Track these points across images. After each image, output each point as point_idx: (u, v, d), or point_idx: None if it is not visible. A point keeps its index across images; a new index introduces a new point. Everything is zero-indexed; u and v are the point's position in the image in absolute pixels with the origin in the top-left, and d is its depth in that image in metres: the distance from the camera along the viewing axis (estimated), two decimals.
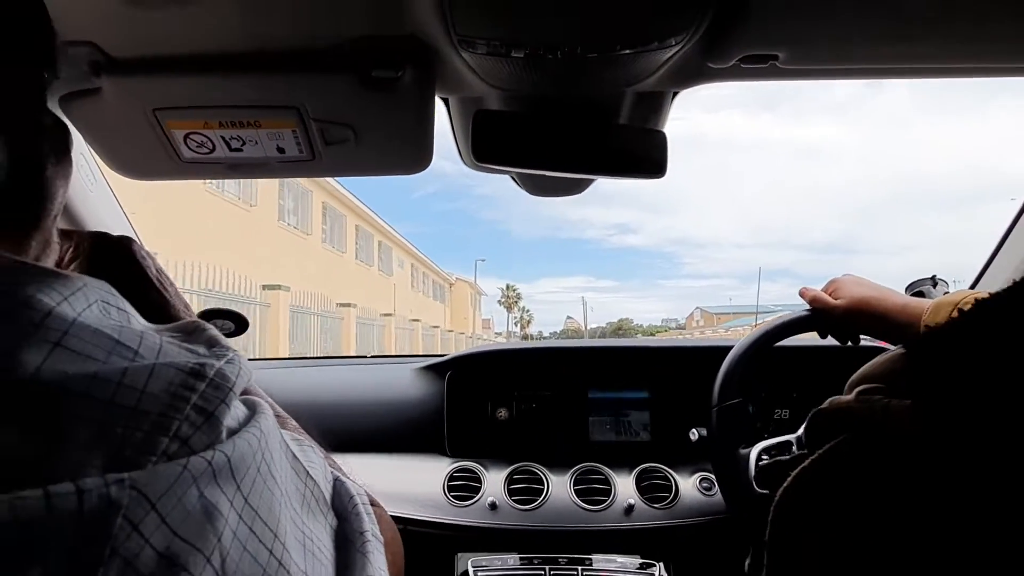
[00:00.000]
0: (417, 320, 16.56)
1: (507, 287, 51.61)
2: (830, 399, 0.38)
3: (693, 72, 0.69)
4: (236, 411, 0.28)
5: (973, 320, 0.31)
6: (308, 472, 0.34)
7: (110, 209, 0.89)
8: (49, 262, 0.36)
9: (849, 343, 0.86)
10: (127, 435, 0.23)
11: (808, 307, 0.87)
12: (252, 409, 0.29)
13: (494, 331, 46.97)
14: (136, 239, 0.97)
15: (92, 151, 0.77)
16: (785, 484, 0.37)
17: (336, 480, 0.38)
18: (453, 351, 1.37)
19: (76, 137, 0.74)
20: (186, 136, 0.69)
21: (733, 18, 0.58)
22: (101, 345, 0.25)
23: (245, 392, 0.30)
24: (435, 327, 18.62)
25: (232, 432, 0.27)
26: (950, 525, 0.29)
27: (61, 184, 0.35)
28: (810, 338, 1.01)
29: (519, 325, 53.39)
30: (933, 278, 1.00)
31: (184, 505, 0.23)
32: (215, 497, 0.24)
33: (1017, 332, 0.29)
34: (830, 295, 0.84)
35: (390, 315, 14.17)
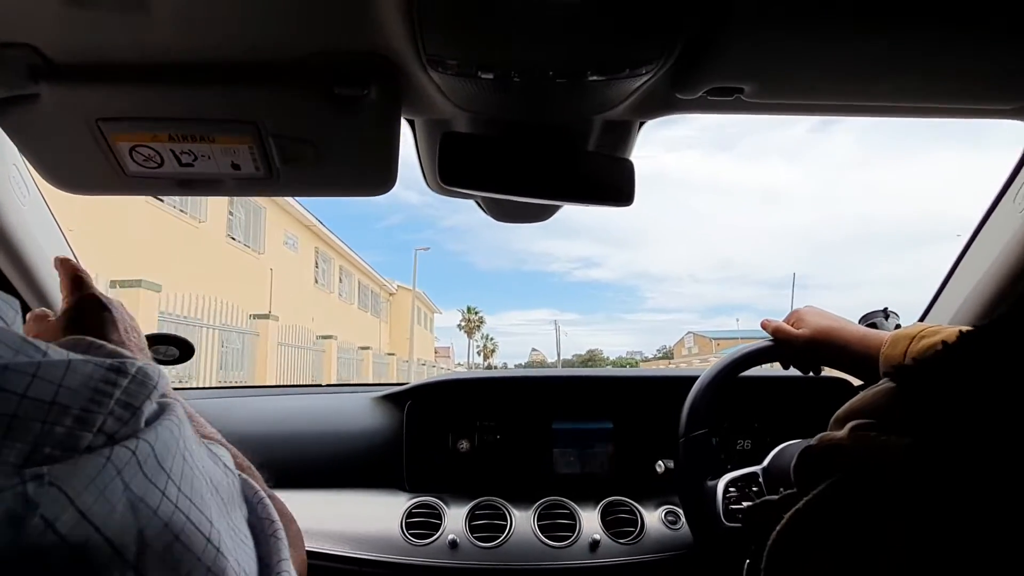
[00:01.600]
0: (366, 348, 14.78)
1: (468, 309, 47.55)
2: (819, 436, 0.36)
3: (661, 102, 0.70)
4: (153, 407, 0.27)
5: (961, 353, 0.31)
6: (225, 464, 0.34)
7: (45, 225, 0.83)
8: None
9: (811, 373, 0.87)
10: (46, 430, 0.22)
11: (771, 337, 0.87)
12: (164, 405, 0.28)
13: (454, 361, 42.90)
14: (72, 256, 0.91)
15: (26, 162, 0.71)
16: (779, 527, 0.35)
17: (240, 476, 0.38)
18: (394, 379, 1.33)
19: (9, 147, 0.69)
20: (132, 149, 0.65)
21: (702, 50, 0.59)
22: (8, 343, 0.23)
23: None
24: (365, 348, 14.65)
25: (150, 423, 0.26)
26: (952, 564, 0.27)
27: None
28: (770, 369, 1.02)
29: (482, 354, 50.16)
30: (885, 310, 1.02)
31: (108, 499, 0.22)
32: (143, 489, 0.23)
33: (1010, 365, 0.28)
34: (792, 325, 0.85)
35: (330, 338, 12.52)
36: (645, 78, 0.61)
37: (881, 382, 0.35)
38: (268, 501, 0.38)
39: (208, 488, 0.28)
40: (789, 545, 0.35)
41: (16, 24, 0.53)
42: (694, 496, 0.86)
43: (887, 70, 0.63)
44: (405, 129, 0.77)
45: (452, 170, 0.69)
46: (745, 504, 0.83)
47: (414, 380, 1.29)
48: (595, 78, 0.60)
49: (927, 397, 0.31)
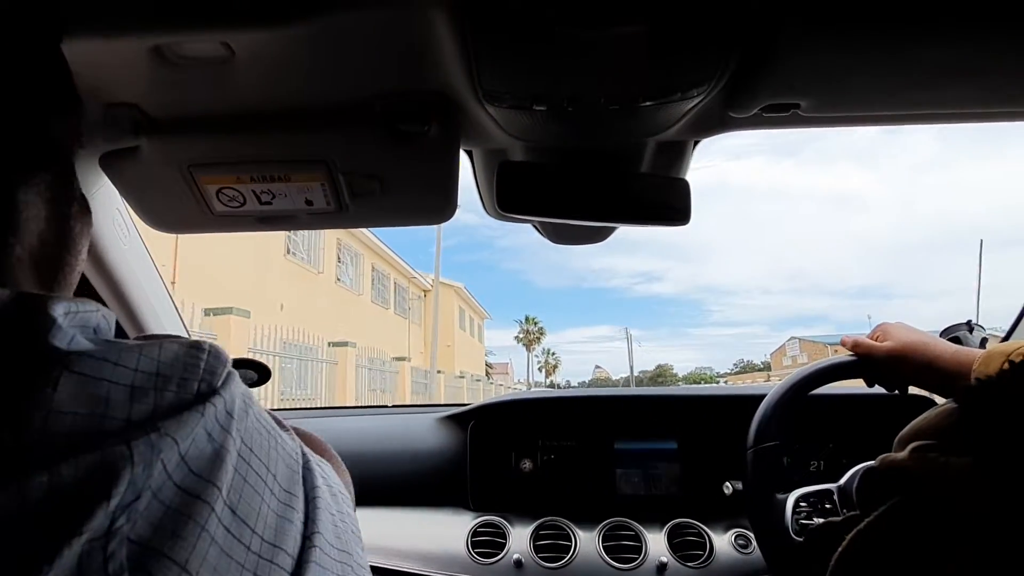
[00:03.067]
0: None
1: (526, 319, 42.41)
2: (881, 457, 0.35)
3: (715, 121, 0.70)
4: (224, 375, 0.32)
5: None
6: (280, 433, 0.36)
7: (142, 263, 0.91)
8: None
9: (896, 392, 0.82)
10: (158, 396, 0.27)
11: (852, 354, 0.84)
12: (229, 373, 0.32)
13: (513, 378, 39.24)
14: (166, 288, 0.99)
15: (127, 206, 0.79)
16: (841, 548, 0.35)
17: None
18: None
19: (113, 193, 0.76)
20: (218, 191, 0.71)
21: (755, 68, 0.58)
22: (109, 336, 0.30)
23: None
24: (400, 359, 12.86)
25: (224, 385, 0.30)
26: None
27: (84, 243, 0.40)
28: (847, 387, 0.97)
29: (543, 371, 46.30)
30: (968, 323, 0.96)
31: (198, 446, 0.27)
32: (222, 439, 0.28)
33: None
34: (876, 340, 0.81)
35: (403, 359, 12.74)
36: (697, 99, 0.62)
37: (945, 402, 0.33)
38: (315, 468, 0.38)
39: (266, 438, 0.32)
40: (851, 566, 0.34)
41: (121, 86, 0.60)
42: (762, 509, 0.83)
43: (951, 76, 0.60)
44: (464, 159, 0.80)
45: (509, 197, 0.71)
46: (816, 520, 0.79)
47: (479, 400, 1.31)
48: (648, 103, 0.61)
49: (989, 417, 0.30)
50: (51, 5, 0.38)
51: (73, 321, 0.28)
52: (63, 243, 0.38)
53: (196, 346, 0.31)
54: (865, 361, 0.81)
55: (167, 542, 0.24)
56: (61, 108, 0.38)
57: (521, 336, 42.74)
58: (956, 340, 0.93)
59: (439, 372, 14.72)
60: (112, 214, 0.80)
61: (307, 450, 0.39)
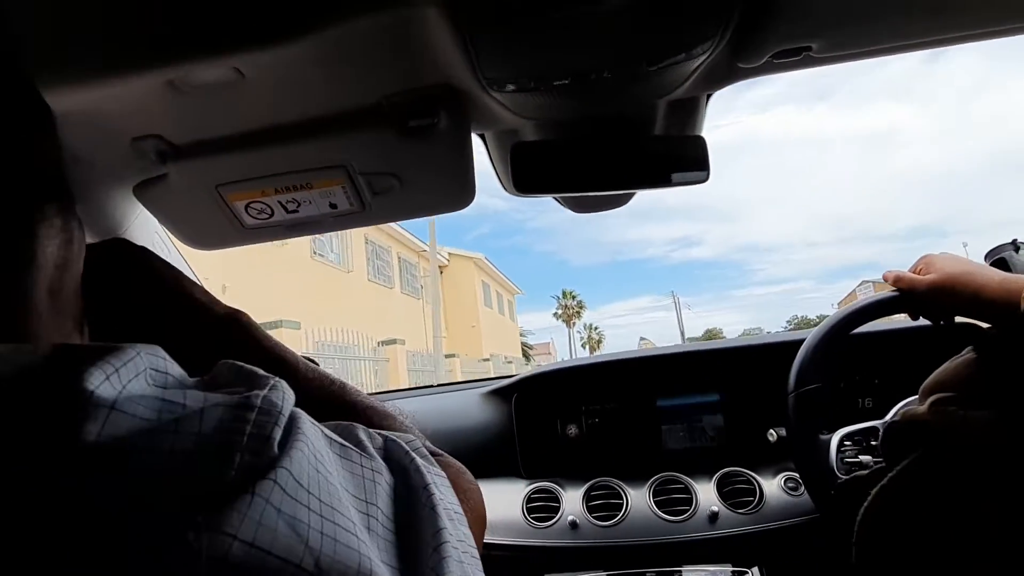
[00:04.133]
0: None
1: (564, 294, 39.96)
2: (903, 410, 0.36)
3: (724, 74, 0.68)
4: (280, 431, 0.29)
5: None
6: (361, 451, 0.34)
7: None
8: (65, 330, 0.37)
9: (942, 323, 0.81)
10: (194, 476, 0.24)
11: (894, 289, 0.82)
12: (291, 420, 0.30)
13: (556, 358, 36.13)
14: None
15: (165, 229, 0.83)
16: (867, 503, 0.36)
17: (386, 439, 0.38)
18: None
19: (151, 218, 0.80)
20: (247, 205, 0.74)
21: (762, 16, 0.57)
22: (150, 405, 0.26)
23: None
24: (389, 343, 10.03)
25: (283, 446, 0.28)
26: None
27: (58, 250, 0.35)
28: (892, 322, 0.96)
29: (587, 347, 43.62)
30: (1014, 241, 0.93)
31: (266, 525, 0.24)
32: (293, 509, 0.25)
33: None
34: (919, 273, 0.79)
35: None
36: (704, 56, 0.61)
37: (966, 350, 0.34)
38: (422, 466, 0.37)
39: (343, 493, 0.30)
40: (876, 521, 0.35)
41: (142, 120, 0.63)
42: (806, 451, 0.84)
43: None
44: (479, 143, 0.81)
45: (525, 177, 0.72)
46: (862, 458, 0.80)
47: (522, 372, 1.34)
48: (653, 68, 0.60)
49: (1009, 367, 0.30)
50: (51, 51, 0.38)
51: (116, 382, 0.26)
52: (73, 268, 0.36)
53: (244, 404, 0.28)
54: (907, 296, 0.80)
55: None
56: (43, 128, 0.36)
57: (560, 312, 40.35)
58: (1002, 261, 0.90)
59: (451, 356, 12.81)
60: (152, 239, 0.85)
61: (421, 468, 0.36)
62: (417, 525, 0.33)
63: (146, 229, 0.83)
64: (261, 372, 0.32)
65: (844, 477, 0.79)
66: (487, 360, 15.14)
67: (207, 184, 0.71)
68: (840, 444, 0.83)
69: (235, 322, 0.51)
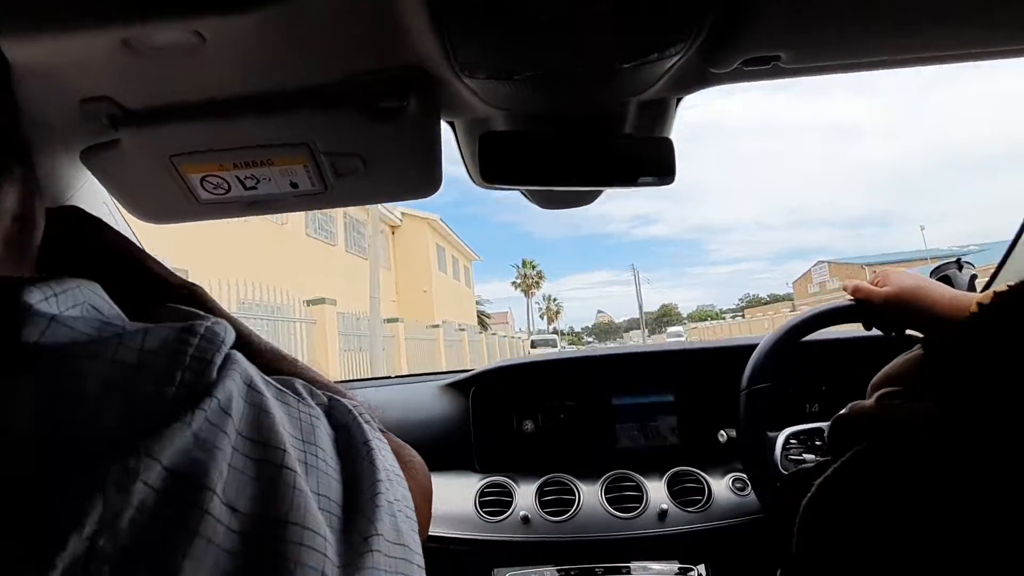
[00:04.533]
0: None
1: (523, 263, 38.63)
2: (851, 404, 0.37)
3: (695, 78, 0.69)
4: (220, 359, 0.29)
5: (990, 316, 0.31)
6: (298, 397, 0.34)
7: None
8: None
9: (893, 335, 0.84)
10: (137, 390, 0.25)
11: (851, 298, 0.85)
12: (227, 356, 0.30)
13: (515, 327, 35.27)
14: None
15: (114, 200, 0.79)
16: (810, 494, 0.37)
17: (331, 398, 0.38)
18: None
19: (99, 187, 0.76)
20: (202, 179, 0.71)
21: (732, 23, 0.58)
22: (90, 323, 0.27)
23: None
24: (317, 302, 8.20)
25: (220, 374, 0.28)
26: (971, 528, 0.28)
27: (17, 204, 0.35)
28: (840, 331, 0.99)
29: (545, 317, 43.60)
30: (958, 260, 0.98)
31: (184, 453, 0.24)
32: (212, 435, 0.26)
33: None
34: (876, 285, 0.82)
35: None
36: (676, 57, 0.61)
37: (914, 348, 0.35)
38: (364, 424, 0.38)
39: (276, 422, 0.30)
40: (819, 512, 0.36)
41: (93, 80, 0.59)
42: (753, 446, 0.87)
43: (933, 18, 0.60)
44: (447, 131, 0.80)
45: (493, 168, 0.71)
46: (806, 456, 0.83)
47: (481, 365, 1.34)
48: (626, 65, 0.60)
49: (950, 361, 0.31)
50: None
51: (54, 305, 0.27)
52: (32, 225, 0.36)
53: (188, 329, 0.28)
54: (863, 305, 0.82)
55: (155, 550, 0.23)
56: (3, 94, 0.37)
57: (519, 282, 39.06)
58: (946, 278, 0.95)
59: (393, 321, 11.21)
60: (99, 209, 0.80)
61: (361, 421, 0.37)
62: (356, 475, 0.34)
63: (93, 198, 0.79)
64: (204, 312, 0.33)
65: (786, 474, 0.82)
66: (436, 327, 13.50)
67: (161, 154, 0.68)
68: (786, 442, 0.86)
69: (190, 294, 0.51)
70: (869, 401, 0.34)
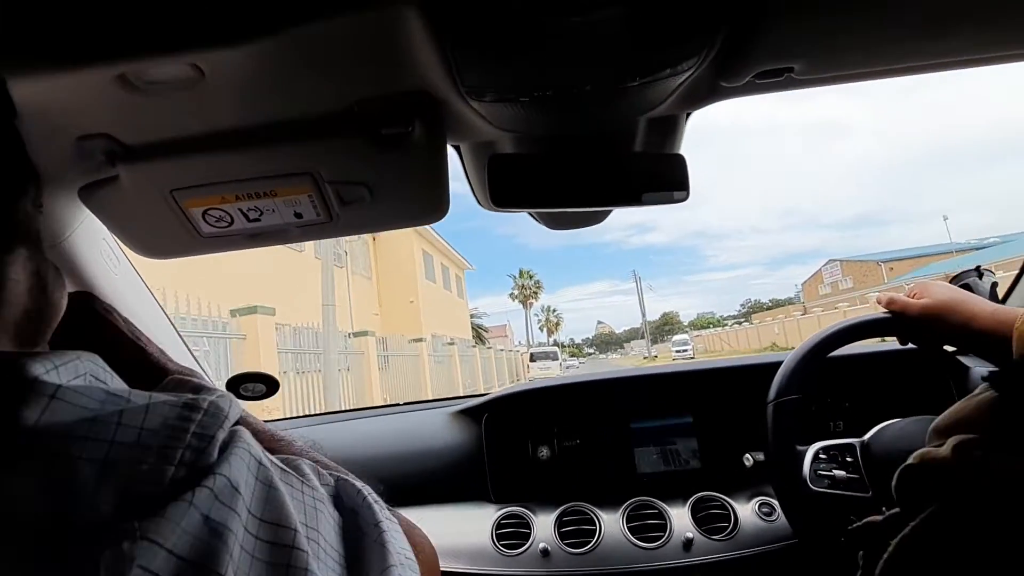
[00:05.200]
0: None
1: (520, 273, 37.58)
2: (919, 453, 0.34)
3: (707, 92, 0.67)
4: (224, 435, 0.29)
5: None
6: (303, 480, 0.33)
7: (135, 289, 0.90)
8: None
9: (930, 351, 0.80)
10: (133, 470, 0.24)
11: (886, 311, 0.81)
12: (233, 432, 0.30)
13: (513, 340, 33.67)
14: (164, 313, 0.98)
15: (114, 236, 0.77)
16: (888, 554, 0.34)
17: (338, 479, 0.37)
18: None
19: (98, 225, 0.75)
20: (204, 212, 0.69)
21: (745, 36, 0.56)
22: (93, 397, 0.26)
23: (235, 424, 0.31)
24: (249, 312, 6.56)
25: (223, 450, 0.28)
26: None
27: (24, 275, 0.37)
28: (864, 346, 0.96)
29: (545, 329, 43.26)
30: (977, 268, 0.95)
31: (192, 534, 0.24)
32: (222, 516, 0.25)
33: None
34: (913, 297, 0.79)
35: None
36: (687, 74, 0.59)
37: (980, 388, 0.32)
38: (375, 504, 0.37)
39: (287, 504, 0.29)
40: (900, 572, 0.33)
41: (90, 117, 0.58)
42: (781, 459, 0.83)
43: (945, 24, 0.58)
44: (452, 154, 0.78)
45: (503, 191, 0.69)
46: (836, 472, 0.79)
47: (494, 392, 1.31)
48: (636, 83, 0.59)
49: None
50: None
51: (57, 376, 0.27)
52: (44, 314, 0.37)
53: (191, 405, 0.28)
54: (899, 318, 0.79)
55: None
56: (24, 181, 0.38)
57: (516, 293, 38.27)
58: (967, 287, 0.92)
59: (361, 335, 9.49)
60: (99, 245, 0.79)
61: (374, 509, 0.36)
62: (365, 559, 0.32)
63: (92, 236, 0.77)
64: (209, 383, 0.33)
65: (814, 488, 0.78)
66: (419, 340, 11.89)
67: (161, 189, 0.66)
68: (815, 457, 0.82)
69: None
70: (943, 450, 0.31)
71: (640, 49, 0.54)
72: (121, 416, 0.25)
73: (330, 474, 0.37)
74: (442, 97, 0.61)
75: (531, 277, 37.96)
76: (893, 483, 0.35)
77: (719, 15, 0.52)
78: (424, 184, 0.72)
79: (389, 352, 10.28)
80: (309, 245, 11.56)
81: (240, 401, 0.50)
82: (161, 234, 0.74)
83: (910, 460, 0.34)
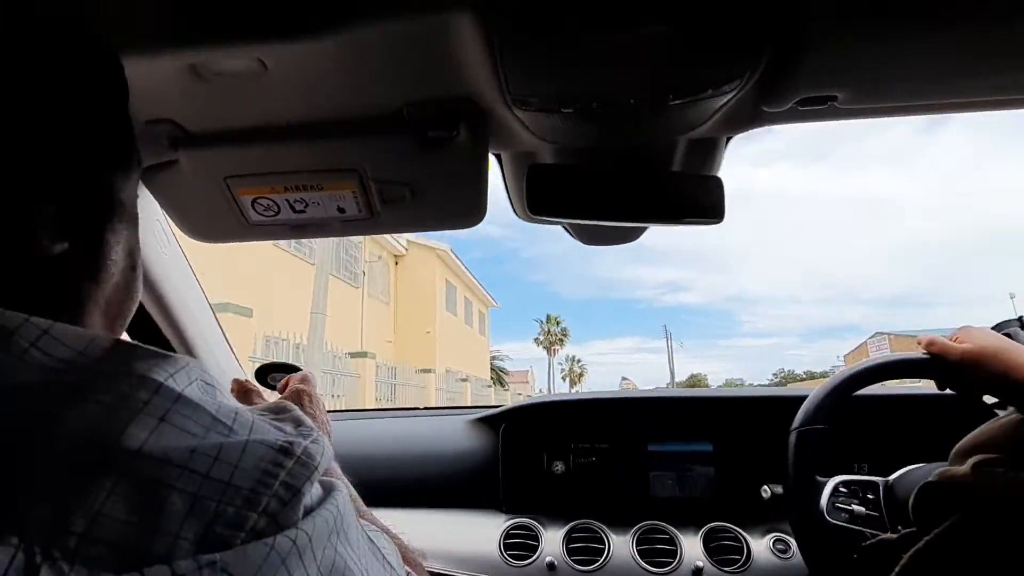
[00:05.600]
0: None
1: (548, 318, 37.04)
2: (940, 471, 0.34)
3: (748, 116, 0.68)
4: (315, 489, 0.29)
5: None
6: (385, 558, 0.34)
7: (181, 271, 0.94)
8: (120, 331, 0.40)
9: (969, 399, 0.77)
10: (220, 509, 0.25)
11: (925, 352, 0.79)
12: (328, 488, 0.30)
13: (534, 387, 33.46)
14: (204, 294, 1.02)
15: (167, 217, 0.82)
16: (899, 568, 0.33)
17: (408, 574, 0.38)
18: None
19: (153, 205, 0.79)
20: (254, 201, 0.73)
21: (789, 61, 0.57)
22: (200, 421, 0.27)
23: (325, 473, 0.31)
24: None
25: (309, 510, 0.28)
26: None
27: (122, 254, 0.38)
28: (893, 387, 0.94)
29: (567, 379, 41.78)
30: (1020, 319, 0.92)
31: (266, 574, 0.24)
32: (294, 568, 0.25)
33: None
34: (955, 341, 0.77)
35: None
36: (730, 95, 0.60)
37: (1006, 412, 0.32)
38: None
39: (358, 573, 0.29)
40: None
41: (158, 103, 0.62)
42: (799, 487, 0.81)
43: (992, 61, 0.58)
44: (492, 163, 0.80)
45: (540, 200, 0.71)
46: (855, 508, 0.77)
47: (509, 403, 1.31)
48: (678, 101, 0.60)
49: None
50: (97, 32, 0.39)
51: (176, 382, 0.27)
52: (131, 291, 0.39)
53: (286, 450, 0.28)
54: (937, 361, 0.77)
55: None
56: (130, 160, 0.40)
57: (541, 338, 37.50)
58: (1008, 336, 0.89)
59: (361, 356, 8.83)
60: (152, 224, 0.83)
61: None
62: None
63: (146, 215, 0.81)
64: (309, 421, 0.33)
65: (831, 521, 0.76)
66: (428, 372, 11.34)
67: (217, 175, 0.70)
68: (835, 489, 0.80)
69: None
70: (963, 468, 0.31)
71: (684, 67, 0.55)
72: (220, 451, 0.26)
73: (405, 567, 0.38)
74: (488, 104, 0.63)
75: (558, 323, 37.32)
76: (911, 501, 0.35)
77: (763, 38, 0.53)
78: (464, 188, 0.74)
79: (394, 380, 9.64)
80: (330, 260, 10.19)
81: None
82: (212, 219, 0.77)
83: (930, 478, 0.34)
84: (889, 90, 0.63)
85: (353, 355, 8.94)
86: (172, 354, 0.30)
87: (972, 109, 0.68)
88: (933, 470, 0.77)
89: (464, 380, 13.37)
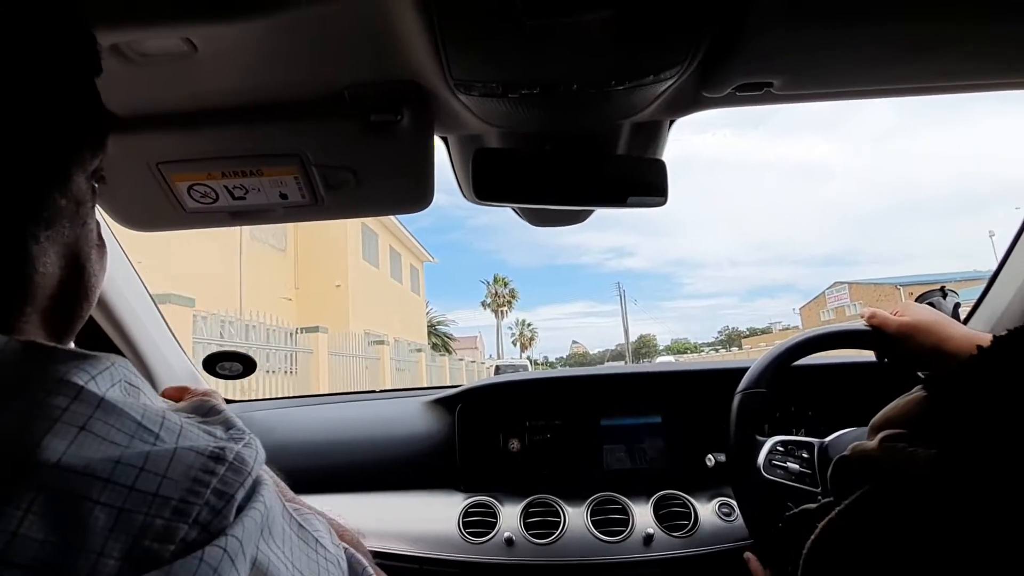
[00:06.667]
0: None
1: (495, 279, 34.94)
2: (852, 445, 0.37)
3: (689, 101, 0.70)
4: (244, 492, 0.28)
5: (994, 359, 0.30)
6: (318, 541, 0.33)
7: (119, 264, 0.90)
8: (69, 336, 0.38)
9: (904, 370, 0.81)
10: (147, 522, 0.23)
11: (866, 324, 0.83)
12: (255, 484, 0.29)
13: (484, 353, 30.89)
14: (144, 286, 0.98)
15: (98, 206, 0.78)
16: (813, 536, 0.36)
17: (348, 552, 0.38)
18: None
19: None
20: (189, 187, 0.70)
21: (727, 49, 0.58)
22: (124, 429, 0.26)
23: None
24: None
25: (239, 512, 0.27)
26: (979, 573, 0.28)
27: (100, 285, 0.38)
28: (829, 357, 0.99)
29: (518, 344, 41.14)
30: (942, 288, 0.98)
31: None
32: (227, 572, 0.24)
33: None
34: (895, 315, 0.80)
35: None
36: (670, 81, 0.62)
37: (916, 389, 0.35)
38: None
39: (288, 570, 0.29)
40: (822, 554, 0.35)
41: None
42: (739, 445, 0.85)
43: (923, 50, 0.61)
44: (440, 145, 0.79)
45: (486, 185, 0.71)
46: (790, 465, 0.81)
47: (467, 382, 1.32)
48: (620, 87, 0.61)
49: (956, 407, 0.31)
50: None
51: (97, 386, 0.26)
52: (80, 293, 0.36)
53: (217, 456, 0.27)
54: (877, 332, 0.81)
55: None
56: (81, 148, 0.37)
57: (489, 301, 35.50)
58: (932, 305, 0.95)
59: (312, 331, 8.11)
60: None
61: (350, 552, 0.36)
62: None
63: None
64: (239, 423, 0.32)
65: (767, 476, 0.81)
66: (380, 343, 9.87)
67: (147, 161, 0.67)
68: (772, 448, 0.85)
69: None
70: (872, 443, 0.34)
71: (625, 53, 0.56)
72: (146, 461, 0.24)
73: (343, 547, 0.38)
74: (431, 88, 0.62)
75: (506, 284, 35.61)
76: (828, 473, 0.38)
77: (702, 25, 0.54)
78: (410, 172, 0.73)
79: (342, 351, 8.76)
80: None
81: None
82: (146, 207, 0.74)
83: (844, 452, 0.36)
84: (822, 77, 0.66)
85: (305, 330, 8.21)
86: (96, 353, 0.28)
87: (899, 94, 0.72)
88: (864, 435, 0.83)
89: (379, 342, 10.81)
